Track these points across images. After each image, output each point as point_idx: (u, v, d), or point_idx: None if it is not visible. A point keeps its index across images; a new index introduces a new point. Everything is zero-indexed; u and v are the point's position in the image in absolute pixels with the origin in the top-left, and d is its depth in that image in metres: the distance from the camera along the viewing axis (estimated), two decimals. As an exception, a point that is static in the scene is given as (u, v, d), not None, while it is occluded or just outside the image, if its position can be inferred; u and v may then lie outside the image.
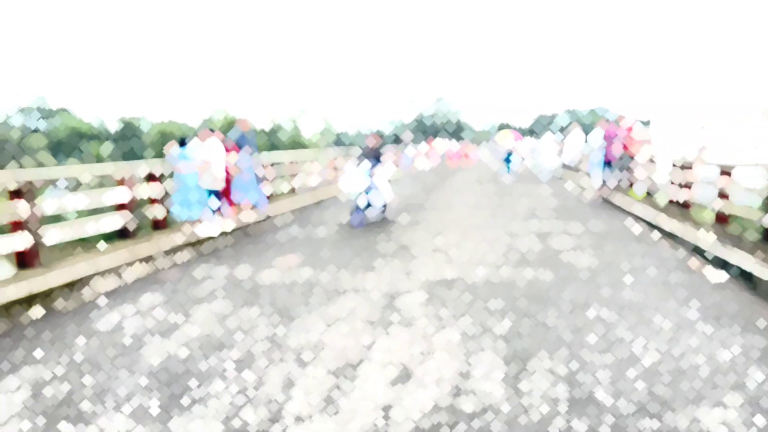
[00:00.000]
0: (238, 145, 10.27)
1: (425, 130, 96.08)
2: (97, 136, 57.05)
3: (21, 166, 32.72)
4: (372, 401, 3.24)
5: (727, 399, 3.26)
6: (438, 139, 41.47)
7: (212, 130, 9.90)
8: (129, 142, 55.19)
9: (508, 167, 22.48)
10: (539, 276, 6.19)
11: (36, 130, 55.63)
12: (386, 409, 3.17)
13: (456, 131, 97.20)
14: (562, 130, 25.26)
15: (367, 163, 10.17)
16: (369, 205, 10.14)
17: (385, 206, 10.54)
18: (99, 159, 46.47)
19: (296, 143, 54.84)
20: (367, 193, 10.06)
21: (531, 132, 71.25)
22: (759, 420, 3.03)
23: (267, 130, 60.39)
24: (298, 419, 3.08)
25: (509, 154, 22.84)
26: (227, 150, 9.81)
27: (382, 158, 10.40)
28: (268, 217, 10.80)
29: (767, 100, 17.55)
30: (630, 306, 5.06)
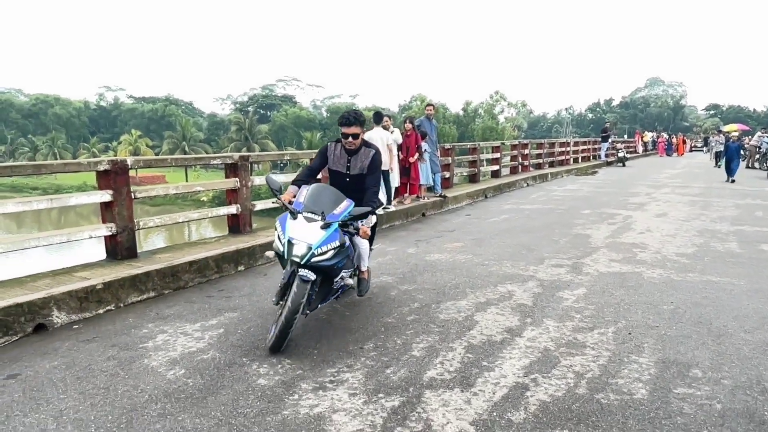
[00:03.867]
0: (422, 134, 10.69)
1: (636, 115, 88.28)
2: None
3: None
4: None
5: None
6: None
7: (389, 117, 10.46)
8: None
9: (732, 168, 17.08)
10: None
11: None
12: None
13: (673, 116, 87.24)
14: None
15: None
16: None
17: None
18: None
19: (489, 129, 54.36)
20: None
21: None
22: None
23: (461, 114, 60.87)
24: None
25: (735, 149, 17.41)
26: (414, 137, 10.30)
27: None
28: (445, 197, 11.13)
29: None
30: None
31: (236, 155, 7.33)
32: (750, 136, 25.35)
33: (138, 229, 5.96)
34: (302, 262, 3.72)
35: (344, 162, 4.42)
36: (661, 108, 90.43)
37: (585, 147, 25.91)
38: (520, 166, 17.61)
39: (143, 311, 4.77)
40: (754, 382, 3.39)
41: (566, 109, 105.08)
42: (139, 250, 5.99)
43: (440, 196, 11.17)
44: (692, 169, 22.91)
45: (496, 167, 16.23)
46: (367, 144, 4.49)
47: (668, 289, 5.34)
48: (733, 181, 16.15)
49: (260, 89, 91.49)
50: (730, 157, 16.87)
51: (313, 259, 3.74)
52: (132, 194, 5.86)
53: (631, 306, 4.83)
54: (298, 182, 4.30)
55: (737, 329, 4.27)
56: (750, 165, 23.88)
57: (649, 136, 41.45)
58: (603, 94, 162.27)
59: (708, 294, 5.18)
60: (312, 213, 3.88)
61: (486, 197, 13.12)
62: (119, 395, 3.25)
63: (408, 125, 10.13)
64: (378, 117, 9.59)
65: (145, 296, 5.11)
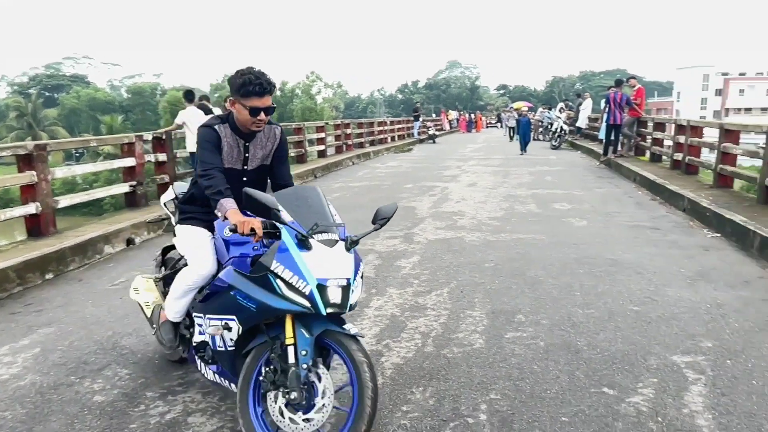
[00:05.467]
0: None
1: (439, 95, 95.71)
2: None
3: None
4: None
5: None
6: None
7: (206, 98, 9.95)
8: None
9: (525, 142, 18.85)
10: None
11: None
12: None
13: (471, 95, 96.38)
14: (578, 95, 24.65)
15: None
16: None
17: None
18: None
19: (308, 109, 54.49)
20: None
21: (547, 97, 69.90)
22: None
23: (278, 95, 60.01)
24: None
25: (526, 124, 19.37)
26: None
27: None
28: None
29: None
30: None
31: (30, 144, 6.33)
32: (534, 112, 29.09)
33: None
34: (346, 310, 2.35)
35: (239, 153, 2.81)
36: (460, 89, 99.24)
37: (400, 126, 27.45)
38: (344, 146, 18.06)
39: (-76, 341, 3.92)
40: (566, 319, 3.96)
41: (378, 90, 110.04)
42: None
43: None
44: (491, 144, 25.64)
45: (322, 147, 16.40)
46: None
47: (487, 249, 5.95)
48: (526, 153, 18.40)
49: (43, 68, 79.72)
50: (523, 131, 19.19)
51: (352, 301, 2.38)
52: None
53: (459, 267, 5.29)
54: (224, 192, 2.58)
55: (546, 277, 4.93)
56: (535, 137, 27.48)
57: (453, 114, 45.28)
58: (410, 76, 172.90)
59: (519, 250, 5.88)
60: (322, 230, 2.39)
61: (315, 177, 13.26)
62: None
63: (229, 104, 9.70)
64: (190, 95, 9.03)
65: None
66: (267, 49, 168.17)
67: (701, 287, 4.59)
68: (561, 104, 25.80)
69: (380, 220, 2.54)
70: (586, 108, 21.40)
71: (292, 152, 14.57)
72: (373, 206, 2.69)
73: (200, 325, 2.76)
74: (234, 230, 2.40)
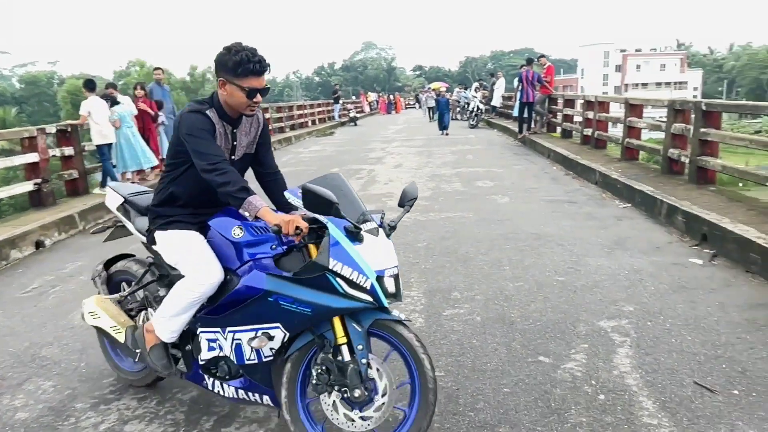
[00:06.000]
0: (157, 103, 9.79)
1: (356, 77, 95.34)
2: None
3: None
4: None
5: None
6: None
7: (114, 86, 9.35)
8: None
9: (445, 122, 18.96)
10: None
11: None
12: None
13: (388, 77, 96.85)
14: (491, 75, 25.37)
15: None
16: None
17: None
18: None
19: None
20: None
21: (462, 77, 71.52)
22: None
23: (188, 80, 57.41)
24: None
25: (445, 104, 19.65)
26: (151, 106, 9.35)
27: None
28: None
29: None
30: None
31: None
32: (450, 93, 29.68)
33: None
34: (401, 300, 2.35)
35: (226, 141, 2.51)
36: (377, 70, 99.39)
37: (320, 109, 27.08)
38: (263, 132, 17.56)
39: None
40: (498, 294, 4.11)
41: (294, 72, 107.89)
42: None
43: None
44: (412, 125, 25.92)
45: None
46: None
47: (418, 228, 6.04)
48: (447, 133, 18.76)
49: None
50: (442, 112, 19.52)
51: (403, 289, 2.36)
52: None
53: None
54: (249, 188, 2.30)
55: (476, 253, 5.09)
56: (453, 117, 28.11)
57: (372, 96, 45.29)
58: (326, 58, 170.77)
59: (449, 228, 6.02)
60: (366, 219, 2.31)
61: (235, 166, 12.83)
62: None
63: (139, 91, 9.18)
64: (91, 84, 8.44)
65: None
66: (172, 31, 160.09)
67: (618, 255, 4.91)
68: (476, 84, 26.47)
69: (408, 201, 2.44)
70: (500, 87, 22.10)
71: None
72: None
73: (212, 341, 2.43)
74: (278, 231, 2.14)
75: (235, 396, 2.49)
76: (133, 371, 3.05)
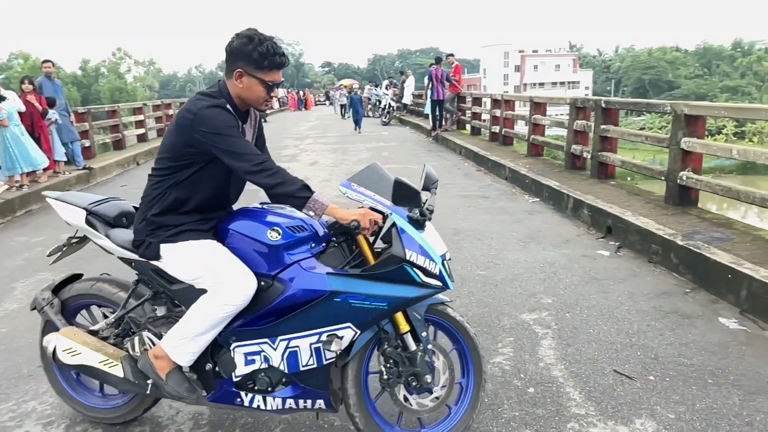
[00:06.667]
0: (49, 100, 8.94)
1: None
2: None
3: None
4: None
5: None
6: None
7: None
8: None
9: (358, 119, 18.70)
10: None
11: None
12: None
13: (296, 73, 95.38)
14: (401, 73, 25.67)
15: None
16: None
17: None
18: None
19: (118, 90, 49.37)
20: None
21: (371, 75, 71.98)
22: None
23: (80, 74, 53.39)
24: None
25: (358, 101, 19.31)
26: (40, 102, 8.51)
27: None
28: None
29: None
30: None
31: None
32: (361, 90, 29.76)
33: None
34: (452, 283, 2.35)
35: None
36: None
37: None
38: (167, 128, 16.66)
39: None
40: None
41: (196, 67, 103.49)
42: None
43: (84, 168, 9.73)
44: (324, 121, 25.70)
45: (142, 131, 14.96)
46: None
47: (339, 229, 5.96)
48: (360, 131, 18.73)
49: None
50: (355, 108, 19.48)
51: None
52: None
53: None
54: (308, 186, 2.16)
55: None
56: (365, 114, 28.22)
57: (281, 92, 44.41)
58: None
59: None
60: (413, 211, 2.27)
61: (138, 164, 12.08)
62: None
63: (27, 85, 8.35)
64: None
65: None
66: (58, 23, 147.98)
67: (532, 248, 5.11)
68: (386, 81, 26.73)
69: (432, 184, 2.38)
70: (410, 85, 22.46)
71: (107, 138, 13.20)
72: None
73: (254, 354, 2.21)
74: (357, 227, 2.08)
75: (281, 407, 2.29)
76: (105, 407, 2.62)
